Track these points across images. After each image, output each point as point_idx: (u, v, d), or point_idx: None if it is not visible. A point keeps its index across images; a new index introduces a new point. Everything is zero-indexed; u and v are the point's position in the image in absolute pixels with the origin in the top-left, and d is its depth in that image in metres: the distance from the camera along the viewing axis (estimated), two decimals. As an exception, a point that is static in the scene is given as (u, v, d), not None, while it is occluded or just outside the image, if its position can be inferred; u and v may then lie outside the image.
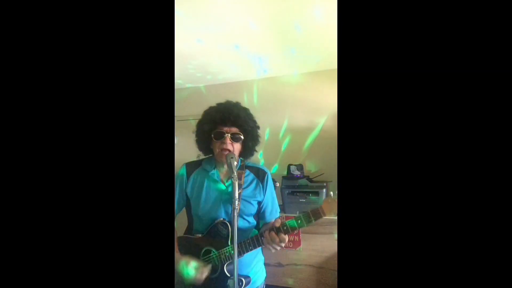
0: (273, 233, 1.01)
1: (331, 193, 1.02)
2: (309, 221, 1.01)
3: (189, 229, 1.22)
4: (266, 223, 1.22)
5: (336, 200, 0.99)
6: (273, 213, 1.23)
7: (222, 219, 1.10)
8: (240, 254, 1.04)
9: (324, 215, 1.00)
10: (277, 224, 1.02)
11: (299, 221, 1.01)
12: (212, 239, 1.10)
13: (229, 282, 1.04)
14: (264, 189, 1.19)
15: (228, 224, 1.08)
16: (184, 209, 1.23)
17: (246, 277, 1.11)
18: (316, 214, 1.01)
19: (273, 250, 1.03)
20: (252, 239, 1.06)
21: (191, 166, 1.22)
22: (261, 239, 1.05)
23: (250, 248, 1.05)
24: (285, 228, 1.02)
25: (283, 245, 1.01)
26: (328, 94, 2.58)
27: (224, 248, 1.07)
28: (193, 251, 1.12)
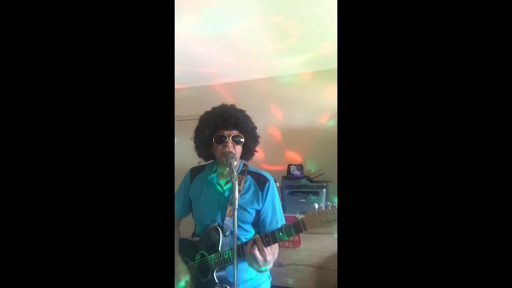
0: (254, 245, 0.97)
1: (316, 205, 0.99)
2: (290, 235, 0.98)
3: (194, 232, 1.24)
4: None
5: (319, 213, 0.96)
6: (273, 224, 1.14)
7: (217, 224, 1.09)
8: (227, 262, 1.01)
9: (305, 229, 0.96)
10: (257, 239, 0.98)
11: (280, 234, 0.98)
12: (206, 244, 1.10)
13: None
14: (264, 197, 1.13)
15: (220, 229, 1.06)
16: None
17: (232, 284, 1.01)
18: (296, 228, 0.97)
19: (255, 263, 0.97)
20: (238, 249, 0.99)
21: (195, 171, 1.24)
22: (244, 247, 1.00)
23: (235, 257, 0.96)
24: (267, 239, 0.98)
25: (261, 260, 0.96)
26: (328, 94, 2.58)
27: (214, 255, 1.06)
28: (191, 253, 1.14)
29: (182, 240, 1.20)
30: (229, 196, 1.10)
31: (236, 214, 0.93)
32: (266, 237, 0.98)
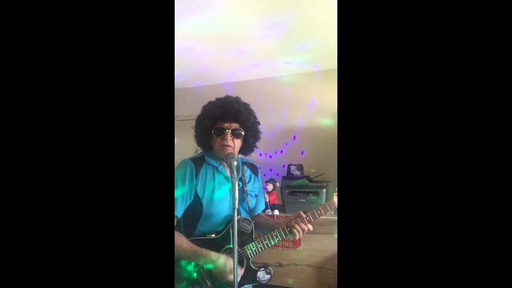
0: (302, 224, 1.10)
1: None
2: (326, 211, 1.15)
3: (189, 231, 1.13)
4: (257, 215, 1.29)
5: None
6: (261, 205, 1.32)
7: (239, 216, 1.13)
8: (268, 246, 1.11)
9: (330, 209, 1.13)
10: (303, 216, 1.12)
11: (318, 212, 1.13)
12: (232, 237, 1.06)
13: (259, 273, 1.13)
14: (259, 183, 1.28)
15: (251, 220, 1.14)
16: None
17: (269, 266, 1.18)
18: (331, 206, 1.14)
19: (298, 237, 1.12)
20: (279, 231, 1.11)
21: (197, 163, 1.13)
22: (286, 229, 1.11)
23: (278, 239, 1.11)
24: (307, 218, 1.11)
25: (304, 232, 1.12)
26: (328, 94, 2.58)
27: (251, 244, 1.10)
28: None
29: (193, 242, 1.08)
30: (241, 186, 1.17)
31: (237, 207, 0.94)
32: (307, 216, 1.12)
